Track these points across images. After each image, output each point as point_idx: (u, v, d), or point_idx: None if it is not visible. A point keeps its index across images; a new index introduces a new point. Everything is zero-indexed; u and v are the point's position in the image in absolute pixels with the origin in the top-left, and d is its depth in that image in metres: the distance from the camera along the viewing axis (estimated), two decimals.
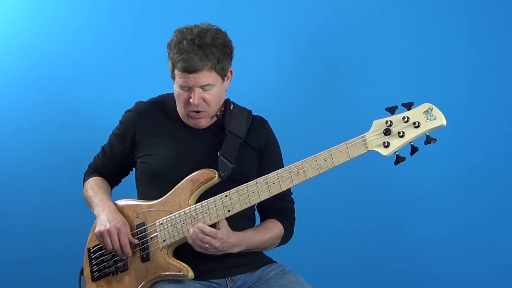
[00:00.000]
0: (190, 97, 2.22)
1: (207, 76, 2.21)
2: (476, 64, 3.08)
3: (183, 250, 2.22)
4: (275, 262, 2.34)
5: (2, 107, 3.35)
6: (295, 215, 2.40)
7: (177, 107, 2.34)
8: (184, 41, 2.20)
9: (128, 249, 2.22)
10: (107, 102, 3.25)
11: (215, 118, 2.34)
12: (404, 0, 3.17)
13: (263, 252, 2.35)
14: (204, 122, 2.29)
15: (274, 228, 2.31)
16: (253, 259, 2.29)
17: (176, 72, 2.22)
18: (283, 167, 2.36)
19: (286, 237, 2.36)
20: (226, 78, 2.30)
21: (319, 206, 3.02)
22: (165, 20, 3.16)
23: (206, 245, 2.12)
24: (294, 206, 2.41)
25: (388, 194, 3.10)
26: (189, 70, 2.18)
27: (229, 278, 2.25)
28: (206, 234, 2.12)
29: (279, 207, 2.35)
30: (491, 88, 3.08)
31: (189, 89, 2.22)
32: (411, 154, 1.97)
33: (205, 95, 2.22)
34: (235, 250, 2.18)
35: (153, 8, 3.29)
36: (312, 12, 3.20)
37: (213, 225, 2.14)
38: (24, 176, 3.32)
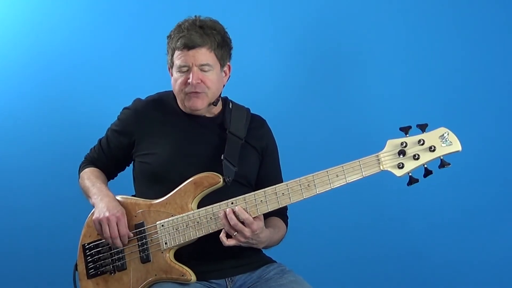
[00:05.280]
0: (189, 78, 2.21)
1: (207, 56, 2.22)
2: (480, 66, 3.11)
3: (182, 251, 2.21)
4: (275, 262, 2.35)
5: None
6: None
7: (175, 94, 2.30)
8: (186, 23, 2.24)
9: (126, 239, 2.20)
10: (105, 98, 3.20)
11: (212, 107, 2.32)
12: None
13: (263, 251, 2.37)
14: (201, 103, 2.26)
15: (282, 228, 2.35)
16: (253, 259, 2.30)
17: (176, 54, 2.22)
18: (280, 169, 2.43)
19: (284, 236, 2.39)
20: (224, 70, 2.30)
21: (319, 205, 3.02)
22: (162, 17, 3.14)
23: (235, 233, 2.09)
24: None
25: (388, 193, 3.11)
26: (189, 46, 2.19)
27: (229, 278, 2.26)
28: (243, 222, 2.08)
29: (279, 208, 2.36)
30: (492, 90, 3.11)
31: (187, 70, 2.22)
32: (425, 176, 1.99)
33: (204, 76, 2.22)
34: (260, 246, 2.19)
35: (149, 6, 3.27)
36: (312, 11, 3.18)
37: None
38: (17, 173, 3.26)
